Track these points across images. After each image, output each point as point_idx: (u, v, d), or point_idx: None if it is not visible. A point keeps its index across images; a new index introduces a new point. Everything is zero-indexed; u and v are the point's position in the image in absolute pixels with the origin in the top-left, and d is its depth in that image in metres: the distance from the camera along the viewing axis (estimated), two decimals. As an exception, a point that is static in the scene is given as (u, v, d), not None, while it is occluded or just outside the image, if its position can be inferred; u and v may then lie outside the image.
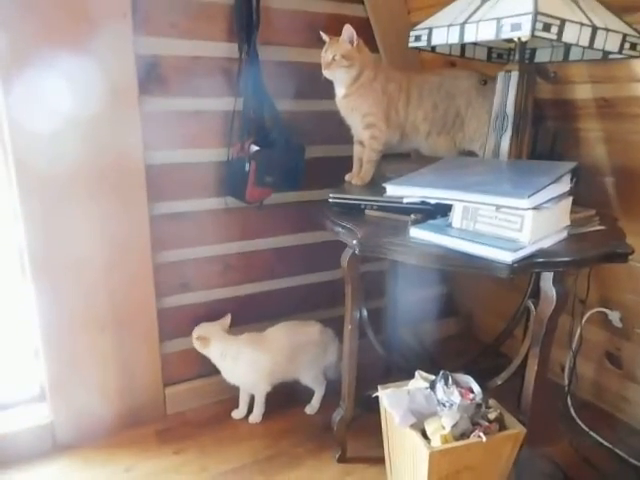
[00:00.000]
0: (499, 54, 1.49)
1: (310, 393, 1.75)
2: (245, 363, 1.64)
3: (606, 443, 1.60)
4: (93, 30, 1.34)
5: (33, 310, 1.46)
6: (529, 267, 1.03)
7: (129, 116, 1.44)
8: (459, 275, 2.18)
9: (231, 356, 1.64)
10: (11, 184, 1.37)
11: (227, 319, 1.69)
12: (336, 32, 1.41)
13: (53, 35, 1.30)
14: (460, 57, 1.48)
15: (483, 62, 1.50)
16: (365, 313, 1.63)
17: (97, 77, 1.36)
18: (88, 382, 1.56)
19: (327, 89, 1.45)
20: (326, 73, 1.40)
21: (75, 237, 1.45)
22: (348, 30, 1.36)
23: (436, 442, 1.20)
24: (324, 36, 1.42)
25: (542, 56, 1.41)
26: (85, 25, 1.33)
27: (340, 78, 1.40)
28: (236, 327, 1.81)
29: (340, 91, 1.43)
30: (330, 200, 1.35)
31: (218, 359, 1.65)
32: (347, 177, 1.53)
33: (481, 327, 2.25)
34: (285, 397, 1.71)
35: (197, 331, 1.67)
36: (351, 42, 1.37)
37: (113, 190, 1.46)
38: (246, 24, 1.51)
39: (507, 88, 1.28)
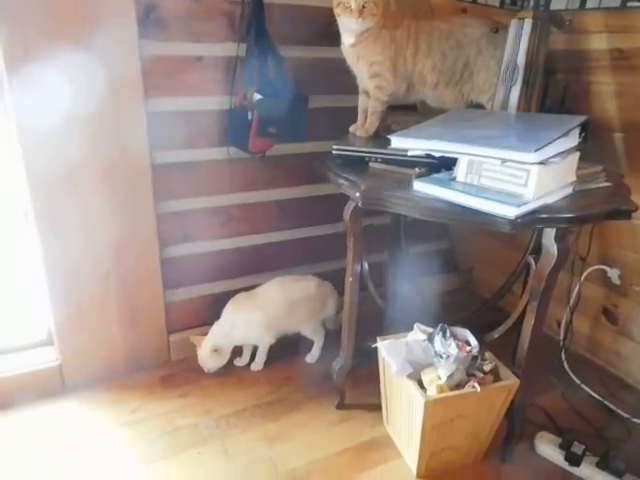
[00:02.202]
0: (513, 1, 1.43)
1: (310, 343, 1.79)
2: (243, 325, 1.67)
3: (597, 396, 1.64)
4: (95, 21, 1.32)
5: (39, 257, 1.48)
6: (532, 223, 1.03)
7: (129, 61, 1.40)
8: (461, 230, 2.18)
9: (230, 329, 1.66)
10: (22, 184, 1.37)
11: (197, 340, 1.68)
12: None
13: (58, 28, 1.28)
14: (472, 3, 1.42)
15: (496, 8, 1.44)
16: (366, 266, 1.64)
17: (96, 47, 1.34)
18: (94, 327, 1.60)
19: (333, 36, 1.40)
20: (358, 22, 1.29)
21: (78, 183, 1.44)
22: None
23: (432, 392, 1.24)
24: None
25: (558, 3, 1.36)
26: (88, 16, 1.31)
27: (365, 27, 1.31)
28: (239, 278, 1.84)
29: (349, 39, 1.36)
30: (334, 152, 1.33)
31: (229, 343, 1.67)
32: (351, 128, 1.50)
33: (481, 282, 2.27)
34: (286, 346, 1.75)
35: (206, 345, 1.65)
36: None
37: (114, 136, 1.44)
38: (250, -36, 1.45)
39: (519, 37, 1.24)
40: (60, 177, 1.41)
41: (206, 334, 1.68)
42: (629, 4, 1.17)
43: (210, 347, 1.64)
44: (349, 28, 1.33)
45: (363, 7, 1.28)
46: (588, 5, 1.28)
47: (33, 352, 1.62)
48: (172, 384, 1.67)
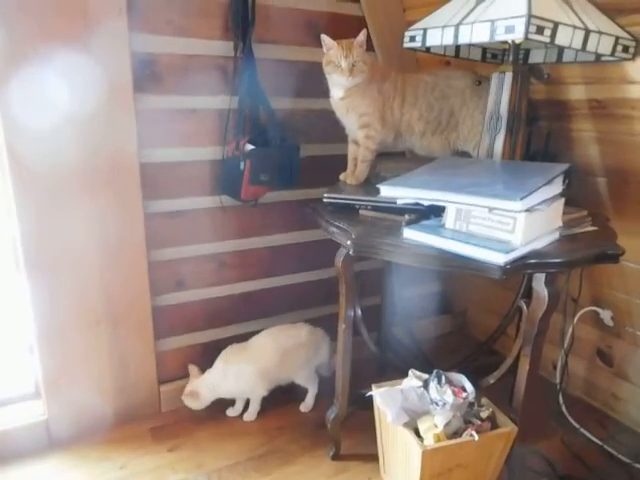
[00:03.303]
0: (494, 54, 1.50)
1: (304, 391, 1.76)
2: (234, 378, 1.65)
3: (597, 440, 1.61)
4: (88, 27, 1.33)
5: (28, 307, 1.46)
6: (521, 268, 1.04)
7: (124, 114, 1.43)
8: (453, 274, 2.19)
9: (220, 381, 1.64)
10: (5, 181, 1.37)
11: (193, 369, 1.69)
12: (332, 31, 1.41)
13: (48, 32, 1.29)
14: (455, 57, 1.48)
15: (478, 62, 1.51)
16: (359, 311, 1.63)
17: (92, 74, 1.36)
18: (83, 379, 1.57)
19: (322, 88, 1.45)
20: (349, 81, 1.36)
21: (70, 234, 1.45)
22: (364, 34, 1.35)
23: (429, 440, 1.22)
24: (328, 39, 1.37)
25: (536, 57, 1.42)
26: (80, 22, 1.32)
27: (355, 83, 1.37)
28: (231, 325, 1.82)
29: (338, 93, 1.42)
30: (324, 200, 1.36)
31: (213, 394, 1.65)
32: (342, 176, 1.53)
33: (475, 325, 2.27)
34: (280, 395, 1.72)
35: (189, 385, 1.66)
36: (362, 46, 1.36)
37: (108, 187, 1.46)
38: (241, 22, 1.51)
39: (501, 88, 1.29)
40: (50, 215, 1.41)
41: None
42: (603, 59, 1.22)
43: (189, 389, 1.63)
44: (339, 84, 1.39)
45: (353, 66, 1.34)
46: (565, 59, 1.34)
47: (19, 406, 1.58)
48: (162, 437, 1.63)
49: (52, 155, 1.37)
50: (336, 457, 1.54)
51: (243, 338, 1.73)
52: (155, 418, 1.71)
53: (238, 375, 1.64)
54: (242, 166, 1.51)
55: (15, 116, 1.31)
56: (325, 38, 1.37)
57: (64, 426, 1.57)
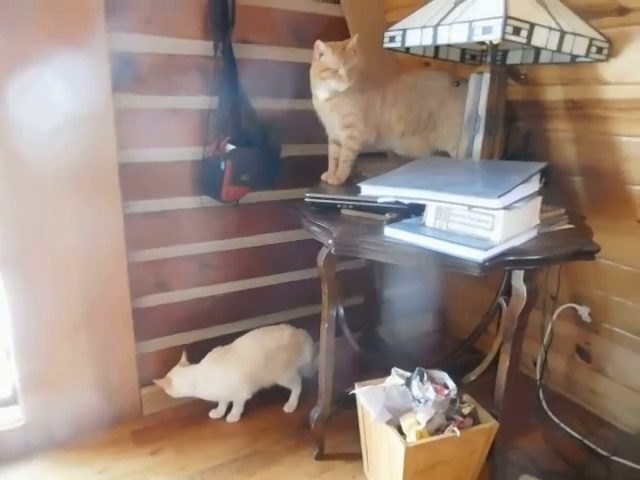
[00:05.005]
0: (472, 55, 1.52)
1: (288, 392, 1.76)
2: (217, 381, 1.63)
3: (577, 435, 1.64)
4: (64, 25, 1.31)
5: (5, 310, 1.43)
6: (500, 265, 1.06)
7: (102, 114, 1.41)
8: (434, 272, 2.21)
9: (201, 381, 1.63)
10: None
11: (183, 357, 1.67)
12: (313, 32, 1.41)
13: (20, 29, 1.27)
14: (434, 58, 1.50)
15: (456, 63, 1.52)
16: (342, 311, 1.64)
17: (69, 74, 1.34)
18: (62, 383, 1.54)
19: (303, 88, 1.45)
20: (346, 86, 1.36)
21: (48, 236, 1.42)
22: (357, 38, 1.35)
23: (411, 438, 1.23)
24: (323, 45, 1.34)
25: (513, 58, 1.45)
26: (55, 20, 1.30)
27: (349, 87, 1.37)
28: (213, 327, 1.81)
29: (323, 94, 1.41)
30: (306, 199, 1.36)
31: (191, 390, 1.63)
32: (323, 176, 1.53)
33: (456, 323, 2.29)
34: (263, 396, 1.71)
35: (170, 372, 1.64)
36: (355, 50, 1.35)
37: (86, 188, 1.44)
38: (221, 22, 1.50)
39: (479, 89, 1.30)
40: (27, 218, 1.39)
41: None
42: (578, 60, 1.25)
43: (168, 376, 1.62)
44: (332, 89, 1.39)
45: (349, 71, 1.34)
46: (541, 60, 1.37)
47: (-5, 412, 1.55)
48: (144, 440, 1.61)
49: (28, 156, 1.34)
50: (320, 457, 1.54)
51: (226, 339, 1.72)
52: (137, 421, 1.68)
53: (222, 378, 1.63)
54: (223, 166, 1.51)
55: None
56: (320, 44, 1.35)
57: (42, 431, 1.54)
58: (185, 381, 1.62)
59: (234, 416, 1.69)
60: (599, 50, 1.21)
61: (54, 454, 1.52)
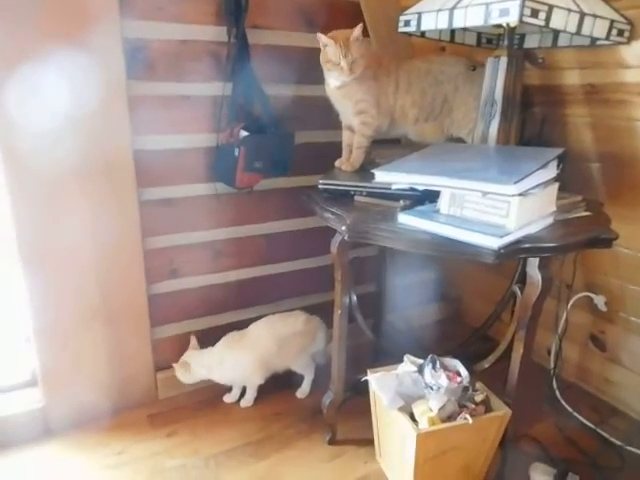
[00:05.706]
0: (488, 39, 1.49)
1: (301, 377, 1.77)
2: (231, 365, 1.66)
3: (590, 424, 1.63)
4: (79, 12, 1.31)
5: (24, 296, 1.46)
6: (515, 253, 1.04)
7: (117, 101, 1.42)
8: (447, 260, 2.20)
9: (216, 365, 1.65)
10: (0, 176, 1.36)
11: (193, 340, 1.70)
12: (327, 17, 1.39)
13: (35, 17, 1.27)
14: (450, 42, 1.48)
15: (473, 47, 1.50)
16: (355, 298, 1.64)
17: (84, 62, 1.34)
18: (79, 368, 1.57)
19: (317, 74, 1.44)
20: (350, 78, 1.34)
21: (64, 224, 1.44)
22: (360, 28, 1.32)
23: (423, 424, 1.23)
24: (324, 38, 1.33)
25: (531, 42, 1.42)
26: (71, 7, 1.30)
27: (354, 77, 1.35)
28: (227, 312, 1.82)
29: (334, 83, 1.40)
30: (320, 186, 1.36)
31: (208, 373, 1.66)
32: (337, 163, 1.53)
33: (469, 311, 2.28)
34: (276, 382, 1.73)
35: (184, 356, 1.67)
36: (358, 40, 1.33)
37: (101, 177, 1.45)
38: (234, 7, 1.49)
39: (496, 73, 1.28)
40: (45, 208, 1.40)
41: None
42: (598, 42, 1.22)
43: (182, 361, 1.65)
44: (338, 79, 1.37)
45: (352, 63, 1.33)
46: (560, 43, 1.34)
47: (16, 394, 1.58)
48: (160, 423, 1.64)
49: (45, 147, 1.36)
50: (332, 442, 1.55)
51: (239, 325, 1.74)
52: (152, 405, 1.71)
53: (236, 363, 1.65)
54: (236, 153, 1.51)
55: (8, 111, 1.30)
56: (321, 37, 1.34)
57: (61, 414, 1.57)
58: (201, 363, 1.65)
59: (247, 401, 1.71)
60: (620, 32, 1.18)
61: (73, 435, 1.56)
